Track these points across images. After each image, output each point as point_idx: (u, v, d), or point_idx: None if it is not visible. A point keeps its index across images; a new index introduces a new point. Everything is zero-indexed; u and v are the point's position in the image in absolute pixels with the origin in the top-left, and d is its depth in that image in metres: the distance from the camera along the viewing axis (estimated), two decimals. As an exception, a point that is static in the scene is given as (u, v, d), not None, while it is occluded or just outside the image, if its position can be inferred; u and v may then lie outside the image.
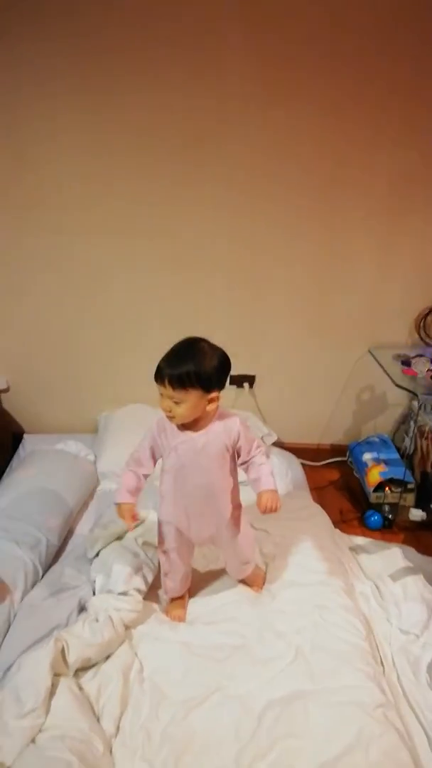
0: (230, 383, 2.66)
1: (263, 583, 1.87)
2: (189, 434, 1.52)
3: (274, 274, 2.49)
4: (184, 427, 1.51)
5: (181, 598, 1.80)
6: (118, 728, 1.42)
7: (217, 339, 1.50)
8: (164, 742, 1.39)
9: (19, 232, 2.32)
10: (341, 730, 1.40)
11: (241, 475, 1.64)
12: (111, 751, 1.37)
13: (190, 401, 1.42)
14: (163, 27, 2.01)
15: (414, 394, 2.31)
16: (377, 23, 2.02)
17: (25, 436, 2.68)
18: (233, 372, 2.54)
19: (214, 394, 1.45)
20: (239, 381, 2.69)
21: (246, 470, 1.61)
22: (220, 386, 1.46)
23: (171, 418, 1.47)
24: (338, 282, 2.52)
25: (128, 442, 2.44)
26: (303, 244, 2.43)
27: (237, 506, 1.66)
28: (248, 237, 2.40)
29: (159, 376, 1.41)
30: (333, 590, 1.83)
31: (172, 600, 1.79)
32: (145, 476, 1.60)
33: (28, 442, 2.61)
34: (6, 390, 2.67)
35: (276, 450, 2.62)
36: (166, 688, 1.52)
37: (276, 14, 2.00)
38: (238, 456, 1.58)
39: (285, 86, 2.12)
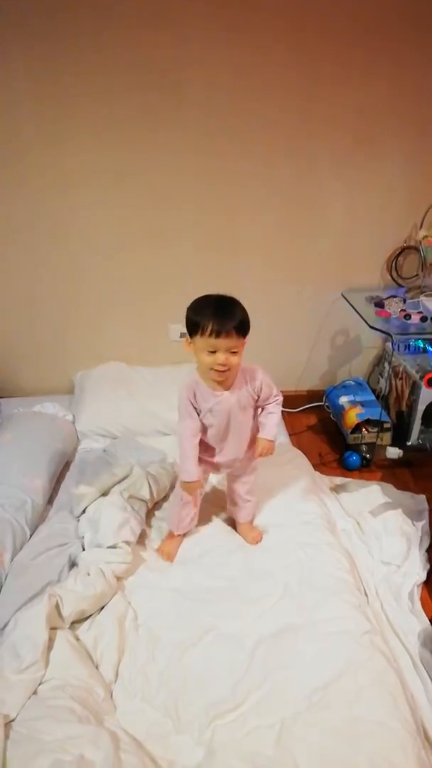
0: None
1: (259, 535, 1.89)
2: (221, 394, 1.55)
3: (245, 222, 2.44)
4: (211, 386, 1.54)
5: (180, 536, 1.85)
6: (117, 674, 1.47)
7: (192, 291, 1.48)
8: (162, 682, 1.44)
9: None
10: (330, 658, 1.46)
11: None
12: (112, 696, 1.42)
13: (241, 350, 1.46)
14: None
15: (388, 335, 2.32)
16: None
17: (0, 400, 2.64)
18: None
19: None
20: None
21: (259, 411, 1.69)
22: None
23: (225, 371, 1.47)
24: (309, 227, 2.49)
25: (106, 401, 2.47)
26: (272, 191, 2.37)
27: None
28: (218, 186, 2.34)
29: (223, 329, 1.39)
30: (316, 528, 1.89)
31: (172, 537, 1.85)
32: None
33: (4, 406, 2.57)
34: (-23, 354, 2.62)
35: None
36: (160, 632, 1.57)
37: None
38: (258, 399, 1.64)
39: (249, 23, 2.03)
